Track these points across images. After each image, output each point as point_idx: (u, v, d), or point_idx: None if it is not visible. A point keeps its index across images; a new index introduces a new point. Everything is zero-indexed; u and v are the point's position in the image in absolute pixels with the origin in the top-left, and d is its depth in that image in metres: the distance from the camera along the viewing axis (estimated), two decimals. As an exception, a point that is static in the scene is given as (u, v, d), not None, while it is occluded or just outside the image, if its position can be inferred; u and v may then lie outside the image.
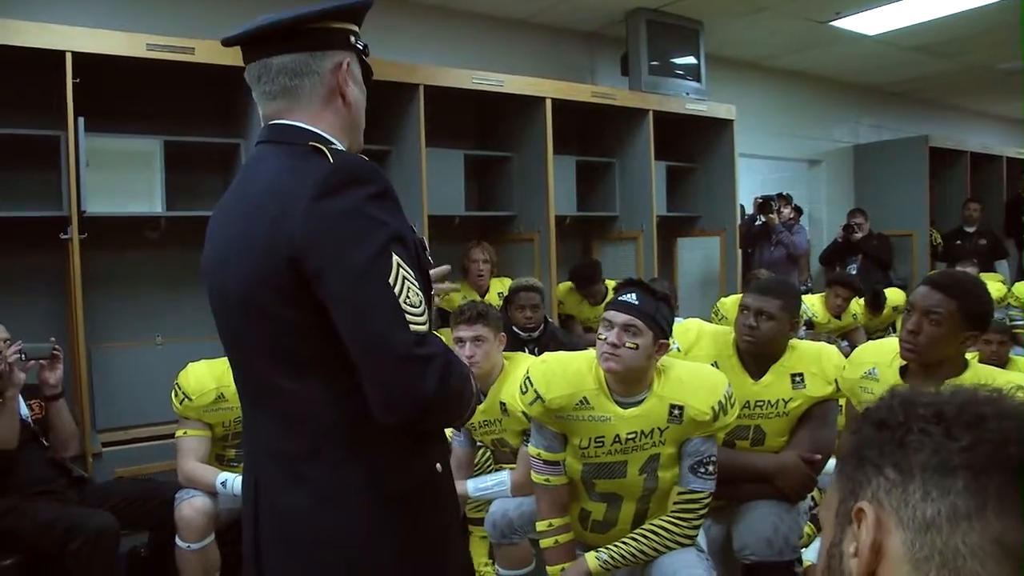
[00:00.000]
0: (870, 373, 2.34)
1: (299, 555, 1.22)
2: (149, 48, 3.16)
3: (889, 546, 0.65)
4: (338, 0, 1.24)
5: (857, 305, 5.06)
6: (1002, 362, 3.76)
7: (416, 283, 1.15)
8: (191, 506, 2.62)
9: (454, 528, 1.37)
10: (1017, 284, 5.57)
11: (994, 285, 5.35)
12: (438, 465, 1.30)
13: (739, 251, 5.43)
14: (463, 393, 1.21)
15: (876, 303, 5.10)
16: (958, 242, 6.85)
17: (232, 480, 2.61)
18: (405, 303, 1.11)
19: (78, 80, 3.01)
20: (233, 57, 1.30)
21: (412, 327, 1.11)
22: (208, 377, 2.69)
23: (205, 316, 1.38)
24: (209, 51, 3.26)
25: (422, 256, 1.27)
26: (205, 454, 2.74)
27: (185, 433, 2.74)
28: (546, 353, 2.36)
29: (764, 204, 6.05)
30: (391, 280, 1.11)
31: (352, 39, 1.29)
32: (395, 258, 1.13)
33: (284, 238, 1.12)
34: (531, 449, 2.26)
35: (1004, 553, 0.61)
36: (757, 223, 6.13)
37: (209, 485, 2.63)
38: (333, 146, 1.22)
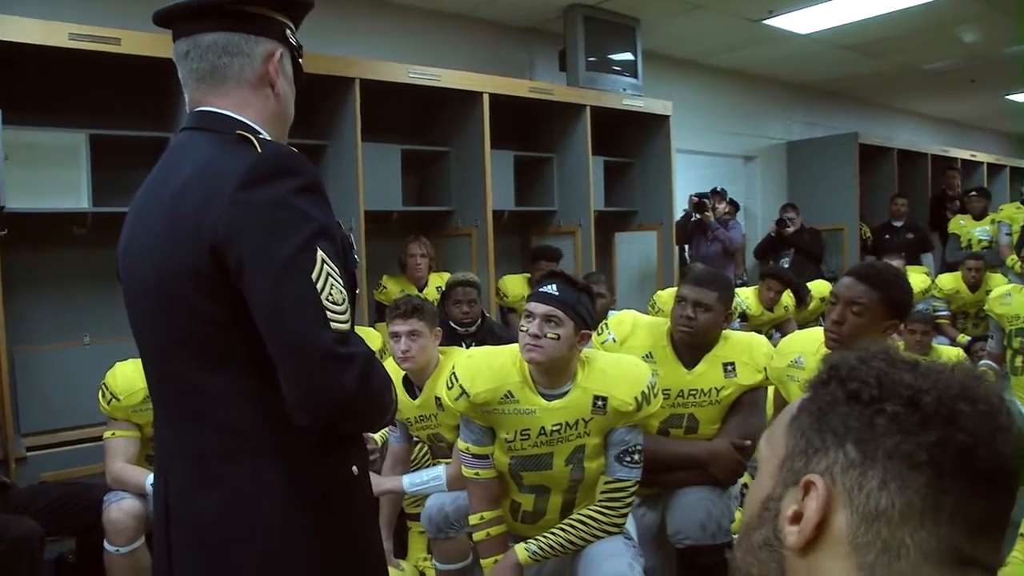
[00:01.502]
0: (796, 362, 2.41)
1: (210, 558, 1.19)
2: (72, 38, 3.06)
3: (833, 523, 0.63)
4: None
5: (788, 298, 5.18)
6: (925, 351, 3.90)
7: (340, 280, 1.13)
8: (120, 508, 2.55)
9: (371, 533, 1.34)
10: (940, 276, 5.77)
11: (919, 277, 5.53)
12: (355, 468, 1.26)
13: (676, 245, 5.52)
14: (383, 397, 1.20)
15: (800, 299, 5.21)
16: (886, 236, 7.03)
17: None
18: (327, 300, 1.09)
19: (-5, 71, 2.92)
20: (163, 48, 1.29)
21: (333, 325, 1.09)
22: (137, 376, 2.62)
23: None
24: (137, 42, 3.18)
25: (348, 255, 1.24)
26: (134, 455, 2.68)
27: (113, 434, 2.68)
28: (473, 348, 2.38)
29: (699, 204, 6.14)
30: (314, 276, 1.09)
31: (287, 33, 1.27)
32: (320, 253, 1.10)
33: (207, 227, 1.09)
34: (460, 443, 2.27)
35: (948, 559, 0.60)
36: (693, 219, 6.23)
37: (138, 486, 2.58)
38: (261, 136, 1.20)
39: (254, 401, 1.16)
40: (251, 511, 1.17)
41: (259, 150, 1.14)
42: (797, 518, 0.64)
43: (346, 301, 1.13)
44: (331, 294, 1.10)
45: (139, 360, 2.68)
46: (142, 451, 2.73)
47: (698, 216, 6.13)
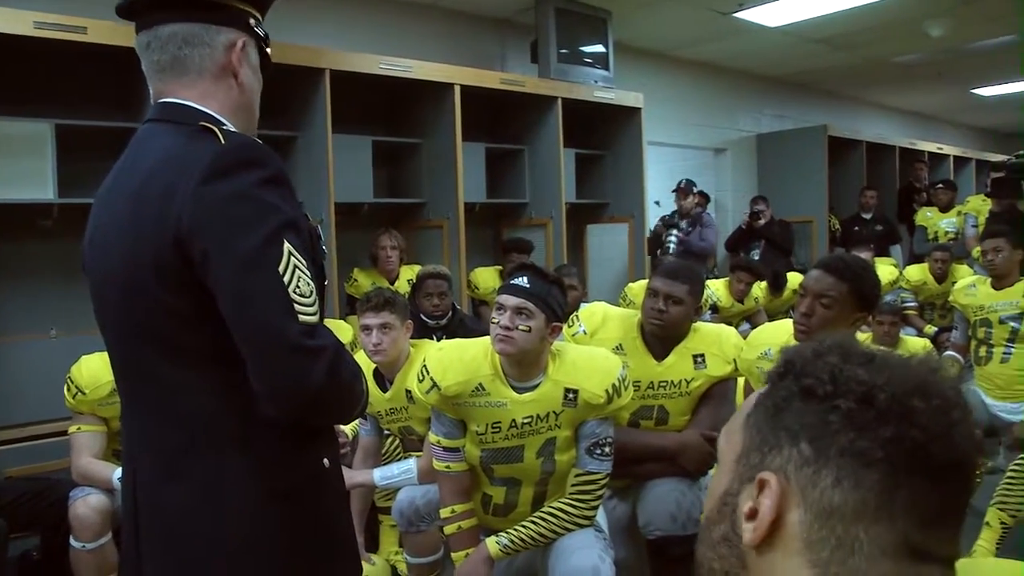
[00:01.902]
0: (766, 354, 2.43)
1: (179, 553, 1.18)
2: (37, 26, 3.01)
3: (787, 520, 0.63)
4: None
5: (759, 289, 5.24)
6: (893, 342, 3.95)
7: (307, 272, 1.12)
8: (86, 504, 2.53)
9: (342, 526, 1.34)
10: (908, 268, 5.85)
11: (887, 269, 5.61)
12: (325, 460, 1.26)
13: (646, 238, 5.54)
14: (353, 389, 1.19)
15: (777, 284, 5.29)
16: (855, 228, 7.11)
17: None
18: (295, 292, 1.08)
19: (-43, 60, 2.86)
20: (130, 38, 1.26)
21: (301, 317, 1.08)
22: (103, 369, 2.59)
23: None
24: (103, 31, 3.12)
25: (316, 246, 1.23)
26: (100, 450, 2.65)
27: (79, 429, 2.65)
28: (444, 340, 2.37)
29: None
30: (281, 268, 1.08)
31: (252, 23, 1.26)
32: (287, 245, 1.09)
33: (171, 220, 1.08)
34: (431, 436, 2.27)
35: (904, 553, 0.60)
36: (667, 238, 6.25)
37: (105, 481, 2.55)
38: (225, 127, 1.19)
39: (220, 394, 1.15)
40: (219, 505, 1.16)
41: (222, 141, 1.13)
42: (753, 515, 0.65)
43: (314, 293, 1.12)
44: (298, 286, 1.09)
45: (105, 354, 2.68)
46: (109, 446, 2.70)
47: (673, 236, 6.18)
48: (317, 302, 1.13)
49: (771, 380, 0.70)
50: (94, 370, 2.62)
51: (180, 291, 1.11)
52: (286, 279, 1.08)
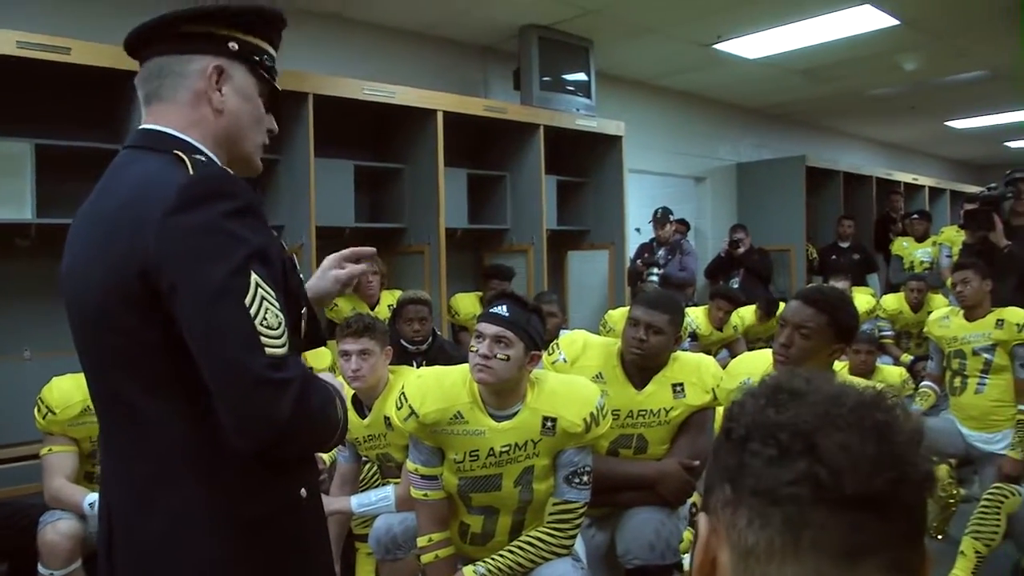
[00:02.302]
0: (745, 384, 2.45)
1: None
2: (20, 46, 3.01)
3: (720, 560, 0.65)
4: (209, 5, 1.22)
5: (737, 317, 5.27)
6: (869, 370, 3.99)
7: (276, 304, 1.11)
8: (56, 530, 2.48)
9: (319, 556, 1.32)
10: (885, 297, 5.91)
11: (864, 298, 5.66)
12: (303, 491, 1.25)
13: (627, 264, 5.57)
14: (327, 418, 1.18)
15: (769, 310, 5.32)
16: (833, 257, 7.17)
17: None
18: (262, 325, 1.07)
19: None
20: (113, 59, 1.29)
21: (268, 350, 1.07)
22: (74, 390, 2.59)
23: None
24: (87, 52, 3.12)
25: (291, 275, 1.23)
26: (72, 471, 2.62)
27: (50, 450, 2.62)
28: (423, 367, 2.37)
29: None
30: (247, 300, 1.07)
31: (233, 46, 1.25)
32: (254, 276, 1.09)
33: (137, 252, 1.08)
34: (409, 464, 2.26)
35: None
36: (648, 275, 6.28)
37: (76, 506, 2.51)
38: (198, 156, 1.18)
39: (191, 424, 1.14)
40: (189, 537, 1.15)
41: (190, 172, 1.13)
42: None
43: (282, 325, 1.11)
44: (266, 318, 1.08)
45: (78, 375, 2.65)
46: (81, 468, 2.67)
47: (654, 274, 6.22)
48: (286, 333, 1.11)
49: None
50: (65, 390, 2.60)
51: (149, 322, 1.11)
52: (252, 311, 1.07)
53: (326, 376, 1.31)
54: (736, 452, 0.65)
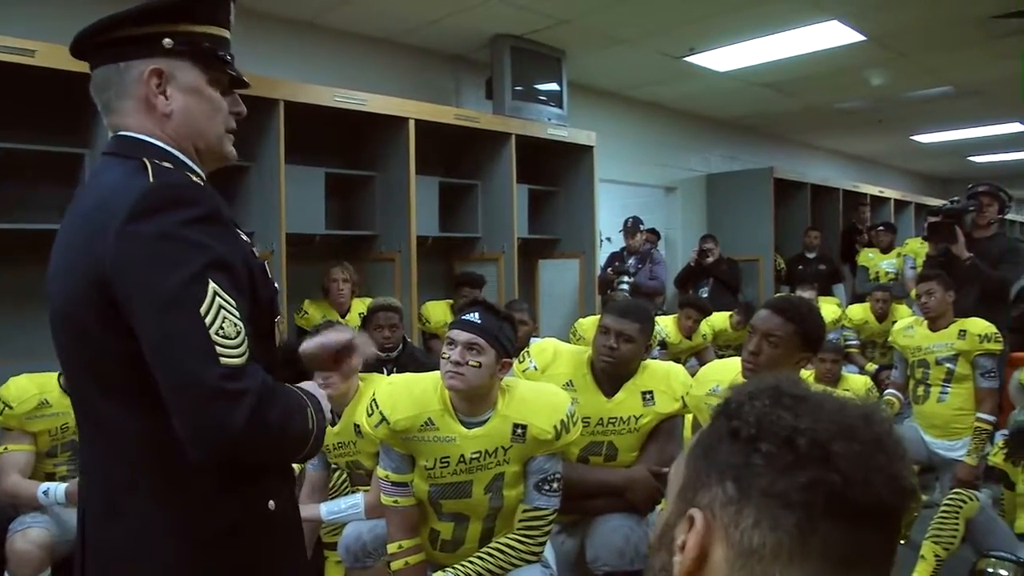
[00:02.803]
0: (714, 390, 2.48)
1: None
2: (-17, 48, 2.97)
3: (712, 557, 0.65)
4: (131, 8, 1.17)
5: (707, 325, 5.32)
6: (835, 379, 4.04)
7: (235, 313, 1.09)
8: (25, 538, 2.45)
9: (291, 568, 1.31)
10: (850, 307, 5.99)
11: (830, 308, 5.75)
12: (271, 502, 1.23)
13: (597, 273, 5.60)
14: (288, 429, 1.15)
15: (747, 315, 5.35)
16: (800, 267, 7.26)
17: (54, 489, 2.48)
18: (217, 334, 1.05)
19: None
20: (79, 62, 1.25)
21: (223, 360, 1.05)
22: (30, 385, 2.62)
23: (42, 337, 1.32)
24: (52, 55, 3.07)
25: (260, 280, 1.22)
26: (28, 466, 2.63)
27: (6, 449, 2.62)
28: (394, 375, 2.37)
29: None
30: (203, 309, 1.05)
31: (167, 42, 1.19)
32: (212, 285, 1.07)
33: (99, 262, 1.07)
34: (379, 471, 2.25)
35: None
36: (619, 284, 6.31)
37: (31, 498, 2.50)
38: (163, 163, 1.17)
39: (155, 433, 1.12)
40: (153, 547, 1.14)
41: (151, 179, 1.12)
42: (684, 548, 0.67)
43: (241, 334, 1.09)
44: (222, 327, 1.06)
45: (34, 374, 2.66)
46: (40, 467, 2.68)
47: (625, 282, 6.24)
48: (244, 342, 1.09)
49: (713, 417, 0.72)
50: (21, 386, 2.63)
51: (110, 330, 1.10)
52: (208, 320, 1.05)
53: (308, 385, 1.30)
54: (743, 451, 0.65)
